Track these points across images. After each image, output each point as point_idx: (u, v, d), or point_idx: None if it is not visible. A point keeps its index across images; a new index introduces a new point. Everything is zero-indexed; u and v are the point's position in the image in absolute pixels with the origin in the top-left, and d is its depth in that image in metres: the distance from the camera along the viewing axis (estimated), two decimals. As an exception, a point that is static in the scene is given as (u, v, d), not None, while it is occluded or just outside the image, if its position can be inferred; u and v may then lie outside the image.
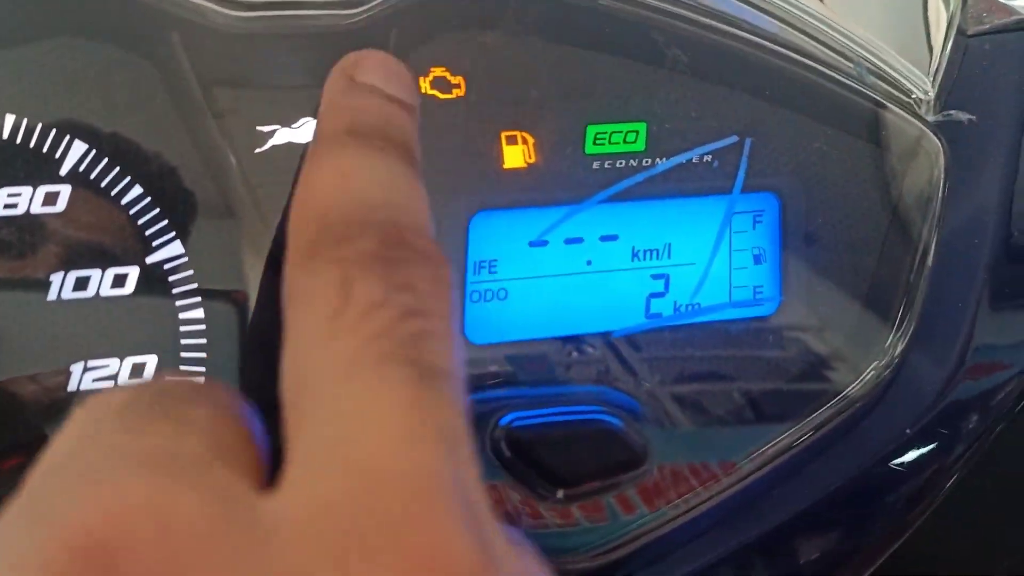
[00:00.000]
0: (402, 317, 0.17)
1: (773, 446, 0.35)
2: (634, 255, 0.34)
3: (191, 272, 0.30)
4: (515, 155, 0.33)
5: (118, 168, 0.30)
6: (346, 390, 0.16)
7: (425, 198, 0.21)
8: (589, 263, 0.34)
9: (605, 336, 0.34)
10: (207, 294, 0.30)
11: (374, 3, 0.31)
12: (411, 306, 0.18)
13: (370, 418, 0.16)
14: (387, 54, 0.24)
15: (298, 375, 0.17)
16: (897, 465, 0.38)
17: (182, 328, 0.30)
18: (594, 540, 0.34)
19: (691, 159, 0.34)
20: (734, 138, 0.34)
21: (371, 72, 0.23)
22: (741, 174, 0.34)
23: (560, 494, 0.31)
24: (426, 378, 0.16)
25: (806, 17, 0.36)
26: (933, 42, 0.39)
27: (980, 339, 0.39)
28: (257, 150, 0.31)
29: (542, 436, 0.31)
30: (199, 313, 0.30)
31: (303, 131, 0.31)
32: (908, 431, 0.37)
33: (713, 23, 0.34)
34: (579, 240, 0.34)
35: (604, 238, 0.34)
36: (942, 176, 0.37)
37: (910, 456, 0.39)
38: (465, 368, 0.18)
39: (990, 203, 0.39)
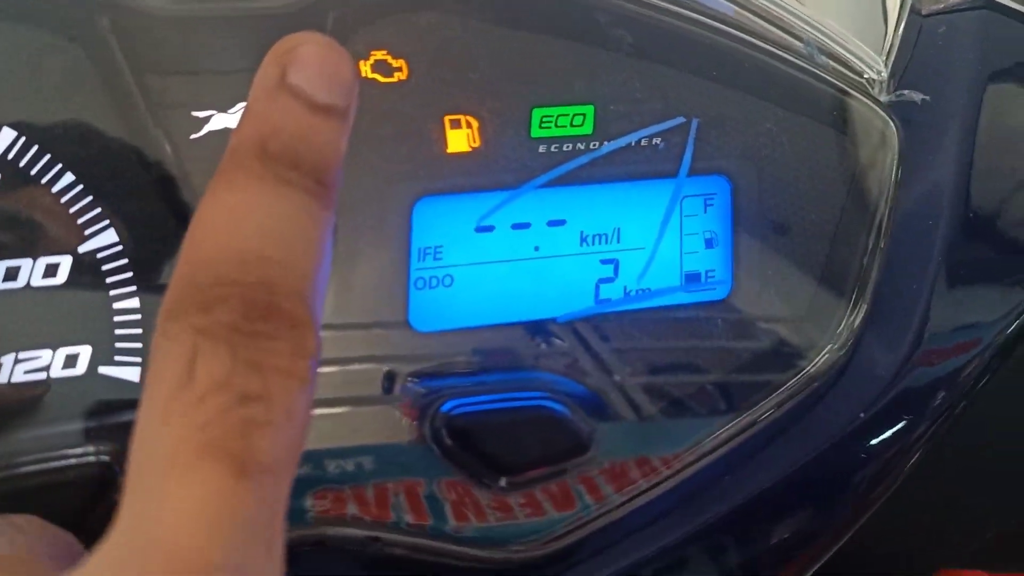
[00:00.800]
0: (239, 402, 0.17)
1: (726, 431, 0.35)
2: (582, 240, 0.34)
3: (125, 261, 0.29)
4: (459, 139, 0.32)
5: (48, 155, 0.29)
6: (164, 480, 0.17)
7: (320, 242, 0.20)
8: (536, 248, 0.34)
9: (552, 322, 0.33)
10: (142, 284, 0.29)
11: (311, -15, 0.31)
12: (251, 391, 0.17)
13: (172, 505, 0.16)
14: (326, 43, 0.21)
15: (135, 454, 0.18)
16: (856, 447, 0.38)
17: (116, 319, 0.29)
18: (543, 528, 0.33)
19: (638, 141, 0.34)
20: (680, 119, 0.34)
21: (303, 71, 0.21)
22: (688, 156, 0.34)
23: (503, 482, 0.31)
24: (242, 474, 0.17)
25: (755, -3, 0.35)
26: (888, 20, 0.39)
27: (937, 319, 0.38)
28: (192, 136, 0.30)
29: (484, 423, 0.31)
30: (134, 303, 0.29)
31: (239, 116, 0.31)
32: (863, 414, 0.37)
33: (659, 3, 0.33)
34: (526, 225, 0.33)
35: (552, 223, 0.34)
36: (896, 157, 0.37)
37: (869, 439, 0.38)
38: (305, 423, 0.19)
39: (945, 183, 0.38)
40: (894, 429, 0.38)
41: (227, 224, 0.19)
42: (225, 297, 0.18)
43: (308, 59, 0.21)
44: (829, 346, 0.37)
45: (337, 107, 0.21)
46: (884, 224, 0.37)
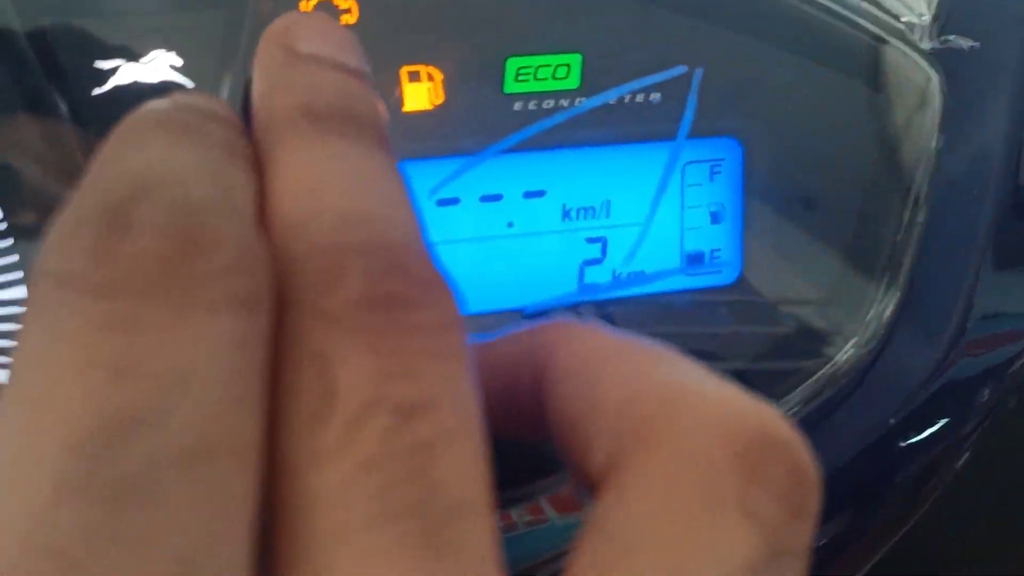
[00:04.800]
0: (402, 420, 0.13)
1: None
2: (565, 214, 0.30)
3: (11, 241, 0.25)
4: (418, 94, 0.28)
5: (-80, 115, 0.24)
6: (338, 556, 0.13)
7: (409, 196, 0.17)
8: (510, 224, 0.30)
9: (527, 312, 0.29)
10: (29, 268, 0.25)
11: (237, -92, 0.26)
12: (410, 398, 0.13)
13: None
14: (323, 14, 0.19)
15: (286, 512, 0.14)
16: (892, 446, 0.34)
17: (2, 311, 0.25)
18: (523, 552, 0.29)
19: (631, 96, 0.29)
20: (682, 69, 0.29)
21: (313, 39, 0.18)
22: (689, 114, 0.29)
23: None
24: (437, 532, 0.13)
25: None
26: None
27: (982, 307, 0.34)
28: (95, 91, 0.26)
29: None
30: (21, 292, 0.25)
31: (153, 67, 0.26)
32: (893, 416, 0.32)
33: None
34: (498, 197, 0.29)
35: (528, 194, 0.30)
36: (938, 117, 0.32)
37: (906, 438, 0.35)
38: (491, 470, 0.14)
39: (995, 149, 0.34)
40: (935, 427, 0.35)
41: (309, 185, 0.15)
42: (344, 269, 0.14)
43: (312, 28, 0.18)
44: (857, 336, 0.32)
45: (365, 71, 0.18)
46: (922, 196, 0.32)
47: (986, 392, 0.35)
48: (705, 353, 0.32)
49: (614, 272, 0.30)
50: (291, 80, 0.17)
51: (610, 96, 0.28)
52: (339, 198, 0.15)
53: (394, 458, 0.13)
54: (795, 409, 0.32)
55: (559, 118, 0.28)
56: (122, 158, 0.14)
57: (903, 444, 0.34)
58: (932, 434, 0.35)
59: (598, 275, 0.30)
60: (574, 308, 0.30)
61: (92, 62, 0.26)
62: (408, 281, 0.14)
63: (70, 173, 0.26)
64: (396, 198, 0.16)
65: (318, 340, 0.14)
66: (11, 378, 0.13)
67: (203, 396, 0.12)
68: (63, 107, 0.26)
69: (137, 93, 0.26)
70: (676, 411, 0.15)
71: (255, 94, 0.18)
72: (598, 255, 0.30)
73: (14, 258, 0.25)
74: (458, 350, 0.14)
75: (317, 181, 0.15)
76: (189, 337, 0.12)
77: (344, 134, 0.16)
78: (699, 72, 0.29)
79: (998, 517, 0.44)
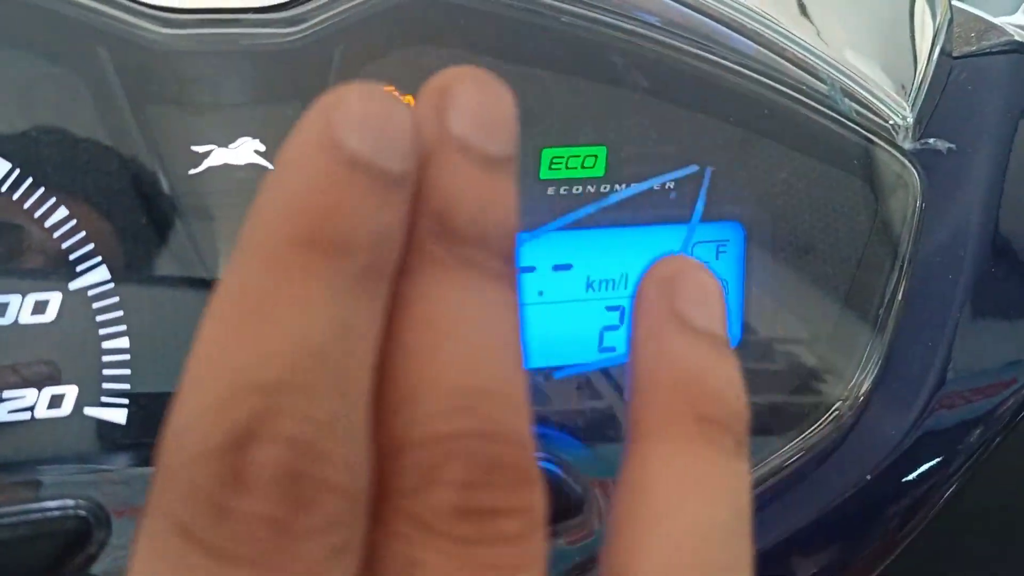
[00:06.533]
0: None
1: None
2: (588, 285, 0.33)
3: (116, 299, 0.29)
4: None
5: (43, 189, 0.28)
6: None
7: (521, 336, 0.15)
8: (541, 293, 0.33)
9: (552, 373, 0.32)
10: (133, 324, 0.29)
11: (316, 19, 0.30)
12: None
13: None
14: (482, 78, 0.16)
15: None
16: (882, 491, 0.37)
17: (104, 359, 0.29)
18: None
19: (650, 188, 0.33)
20: (694, 167, 0.32)
21: (465, 112, 0.15)
22: (700, 204, 0.33)
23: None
24: None
25: (776, 35, 0.34)
26: (917, 61, 0.38)
27: (961, 360, 0.37)
28: (191, 171, 0.29)
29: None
30: (123, 343, 0.29)
31: (240, 152, 0.30)
32: (869, 475, 0.35)
33: (677, 43, 0.32)
34: (531, 269, 0.33)
35: (557, 267, 0.33)
36: (918, 207, 0.35)
37: (897, 480, 0.37)
38: None
39: (969, 233, 0.37)
40: (922, 469, 0.37)
41: (423, 349, 0.14)
42: (439, 470, 0.14)
43: (468, 101, 0.16)
44: (839, 403, 0.35)
45: (509, 158, 0.16)
46: (904, 272, 0.35)
47: (975, 433, 0.37)
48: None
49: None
50: (432, 173, 0.15)
51: (633, 191, 0.32)
52: (453, 368, 0.14)
53: None
54: (797, 455, 0.35)
55: (590, 208, 0.32)
56: (250, 332, 0.13)
57: (888, 487, 0.37)
58: (915, 478, 0.37)
59: (616, 340, 0.33)
60: (592, 372, 0.33)
61: (189, 146, 0.29)
62: (503, 483, 0.14)
63: (169, 241, 0.29)
64: (511, 359, 0.15)
65: (404, 547, 0.14)
66: None
67: None
68: (165, 184, 0.29)
69: (225, 173, 0.30)
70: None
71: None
72: (616, 322, 0.33)
73: (119, 313, 0.29)
74: (537, 555, 0.14)
75: (435, 341, 0.14)
76: None
77: (475, 264, 0.15)
78: (709, 170, 0.33)
79: (991, 542, 0.45)
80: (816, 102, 0.34)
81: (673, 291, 0.17)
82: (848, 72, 0.36)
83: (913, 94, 0.36)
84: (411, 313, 0.15)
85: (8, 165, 0.28)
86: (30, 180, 0.28)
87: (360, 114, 0.14)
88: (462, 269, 0.15)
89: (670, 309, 0.17)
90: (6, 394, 0.28)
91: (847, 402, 0.36)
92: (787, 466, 0.36)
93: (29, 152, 0.28)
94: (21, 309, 0.28)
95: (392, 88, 0.31)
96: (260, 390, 0.13)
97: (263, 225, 0.14)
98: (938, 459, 0.37)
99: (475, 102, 0.15)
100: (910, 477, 0.37)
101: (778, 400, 0.36)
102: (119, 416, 0.28)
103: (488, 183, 0.15)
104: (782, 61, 0.34)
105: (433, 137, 0.15)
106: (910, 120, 0.36)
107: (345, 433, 0.13)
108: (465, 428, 0.14)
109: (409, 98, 0.31)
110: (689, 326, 0.17)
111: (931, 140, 0.35)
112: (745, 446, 0.17)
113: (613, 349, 0.33)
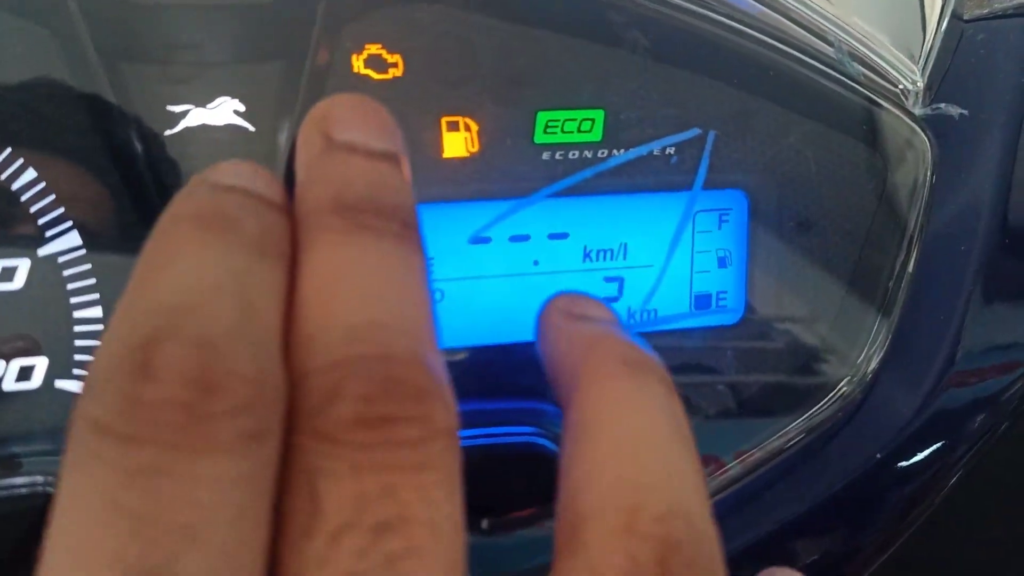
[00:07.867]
0: (377, 537, 0.15)
1: (730, 470, 0.32)
2: (586, 255, 0.32)
3: (88, 266, 0.27)
4: (456, 143, 0.30)
5: (9, 149, 0.27)
6: None
7: (426, 291, 0.18)
8: (536, 263, 0.31)
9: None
10: (106, 292, 0.27)
11: (298, -28, 0.28)
12: (386, 516, 0.15)
13: None
14: (357, 98, 0.20)
15: None
16: (888, 471, 0.36)
17: (76, 329, 0.27)
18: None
19: (650, 152, 0.31)
20: (696, 131, 0.31)
21: (348, 126, 0.19)
22: (703, 170, 0.31)
23: (484, 524, 0.29)
24: None
25: (783, -3, 0.33)
26: (927, 25, 0.36)
27: (971, 341, 0.36)
28: (167, 132, 0.28)
29: (466, 459, 0.29)
30: (96, 312, 0.27)
31: (219, 112, 0.29)
32: (880, 451, 0.34)
33: (678, 2, 0.31)
34: (525, 238, 0.31)
35: (553, 236, 0.31)
36: (929, 176, 0.34)
37: (901, 462, 0.36)
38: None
39: (982, 204, 0.35)
40: (927, 453, 0.36)
41: (322, 295, 0.16)
42: (340, 389, 0.15)
43: (347, 114, 0.20)
44: (847, 378, 0.34)
45: (394, 152, 0.20)
46: (914, 246, 0.34)
47: (979, 419, 0.36)
48: (705, 388, 0.34)
49: (629, 309, 0.32)
50: (325, 172, 0.18)
51: (632, 155, 0.31)
52: (349, 307, 0.16)
53: (368, 573, 0.14)
54: (802, 435, 0.34)
55: (587, 173, 0.30)
56: (152, 280, 0.15)
57: (895, 468, 0.36)
58: (923, 459, 0.36)
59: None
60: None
61: (165, 105, 0.28)
62: (400, 396, 0.15)
63: (144, 205, 0.28)
64: (409, 298, 0.17)
65: (311, 458, 0.15)
66: (53, 519, 0.14)
67: (211, 543, 0.14)
68: (139, 146, 0.28)
69: (204, 134, 0.28)
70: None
71: (297, 182, 0.19)
72: (615, 293, 0.32)
73: (91, 281, 0.27)
74: (440, 459, 0.16)
75: (333, 287, 0.16)
76: (203, 482, 0.14)
77: (371, 228, 0.17)
78: (712, 134, 0.31)
79: (993, 538, 0.45)
80: (823, 65, 0.33)
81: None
82: (856, 34, 0.34)
83: (923, 58, 0.35)
84: (313, 268, 0.17)
85: (-28, 125, 0.27)
86: (-4, 140, 0.27)
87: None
88: (358, 232, 0.17)
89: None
90: (-29, 365, 0.26)
91: (854, 380, 0.35)
92: (791, 446, 0.34)
93: (-5, 111, 0.27)
94: (-13, 276, 0.27)
95: (379, 45, 0.30)
96: (165, 310, 0.15)
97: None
98: (947, 439, 0.36)
99: (354, 115, 0.19)
100: (919, 457, 0.36)
101: (783, 379, 0.34)
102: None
103: (377, 169, 0.18)
104: (788, 22, 0.33)
105: (321, 149, 0.19)
106: (920, 85, 0.34)
107: (250, 340, 0.15)
108: (362, 352, 0.16)
109: (397, 57, 0.30)
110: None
111: (942, 105, 0.34)
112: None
113: (611, 321, 0.32)
